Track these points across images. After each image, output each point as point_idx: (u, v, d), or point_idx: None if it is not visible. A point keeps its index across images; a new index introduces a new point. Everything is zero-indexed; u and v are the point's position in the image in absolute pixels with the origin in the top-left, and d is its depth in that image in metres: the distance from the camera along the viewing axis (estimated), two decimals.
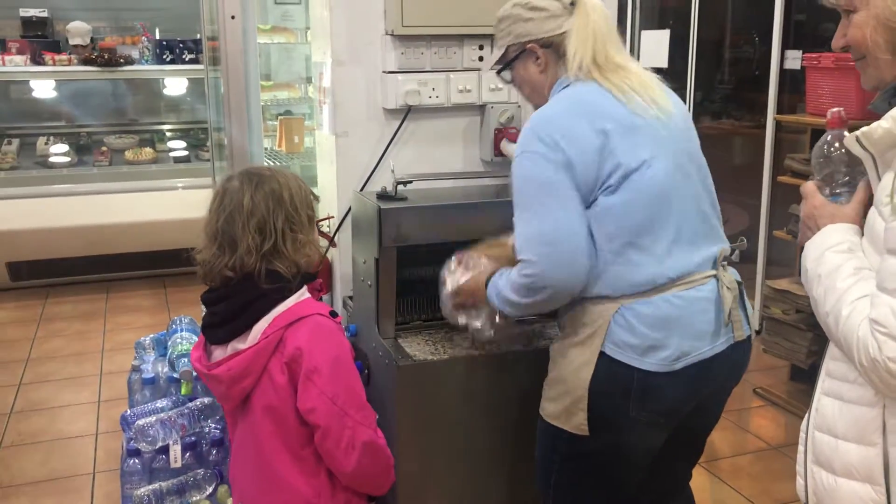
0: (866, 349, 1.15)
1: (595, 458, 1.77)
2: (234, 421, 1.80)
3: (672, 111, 1.74)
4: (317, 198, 1.82)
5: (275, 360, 1.66)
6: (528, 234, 1.67)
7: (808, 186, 1.38)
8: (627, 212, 1.65)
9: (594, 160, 1.64)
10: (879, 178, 1.23)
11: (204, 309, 1.78)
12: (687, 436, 1.87)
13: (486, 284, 1.82)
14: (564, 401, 1.76)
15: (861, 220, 1.29)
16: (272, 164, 3.37)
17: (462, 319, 1.95)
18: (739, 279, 1.80)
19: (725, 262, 1.78)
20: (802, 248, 1.35)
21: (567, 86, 1.76)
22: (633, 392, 1.68)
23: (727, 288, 1.72)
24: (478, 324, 1.92)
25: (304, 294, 1.72)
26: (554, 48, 1.78)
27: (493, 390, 2.10)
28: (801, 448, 1.37)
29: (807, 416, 1.37)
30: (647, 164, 1.66)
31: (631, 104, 1.69)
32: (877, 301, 1.15)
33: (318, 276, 1.85)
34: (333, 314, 1.74)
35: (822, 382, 1.33)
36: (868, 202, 1.28)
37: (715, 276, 1.73)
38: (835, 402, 1.29)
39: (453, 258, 1.97)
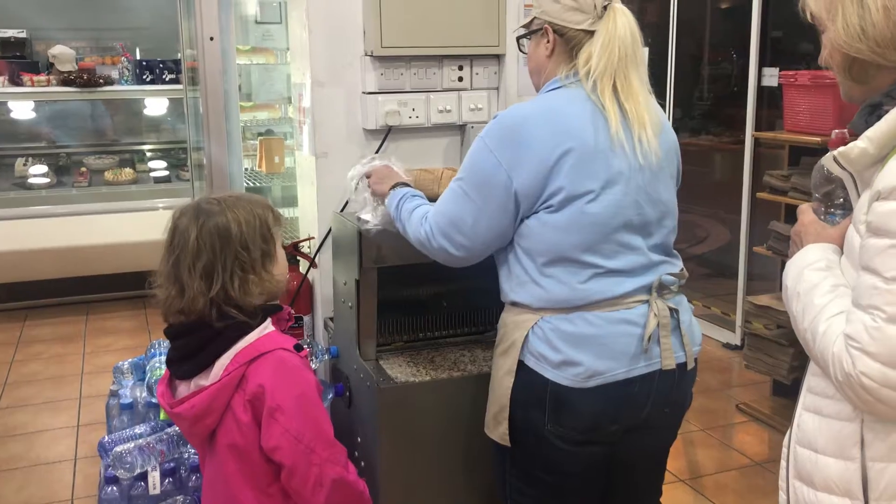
0: (841, 364, 1.16)
1: (528, 470, 1.79)
2: (203, 455, 1.76)
3: (654, 152, 1.70)
4: (278, 221, 1.73)
5: (237, 397, 1.61)
6: (447, 206, 1.76)
7: (803, 205, 1.42)
8: (562, 234, 1.67)
9: (542, 176, 1.65)
10: (859, 197, 1.25)
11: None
12: (628, 464, 1.85)
13: (394, 186, 1.96)
14: (493, 409, 1.81)
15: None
16: (252, 184, 3.36)
17: (362, 197, 2.10)
18: (677, 307, 1.76)
19: (671, 290, 1.77)
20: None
21: (559, 87, 1.74)
22: (547, 404, 1.71)
23: (654, 314, 1.71)
24: (367, 214, 2.07)
25: (267, 328, 1.66)
26: (566, 39, 1.74)
27: (475, 411, 2.08)
28: (783, 463, 1.39)
29: (789, 431, 1.38)
30: (594, 194, 1.65)
31: (611, 131, 1.66)
32: (851, 317, 1.17)
33: (289, 306, 1.80)
34: (298, 348, 1.68)
35: (804, 398, 1.35)
36: None
37: (647, 301, 1.73)
38: (815, 417, 1.30)
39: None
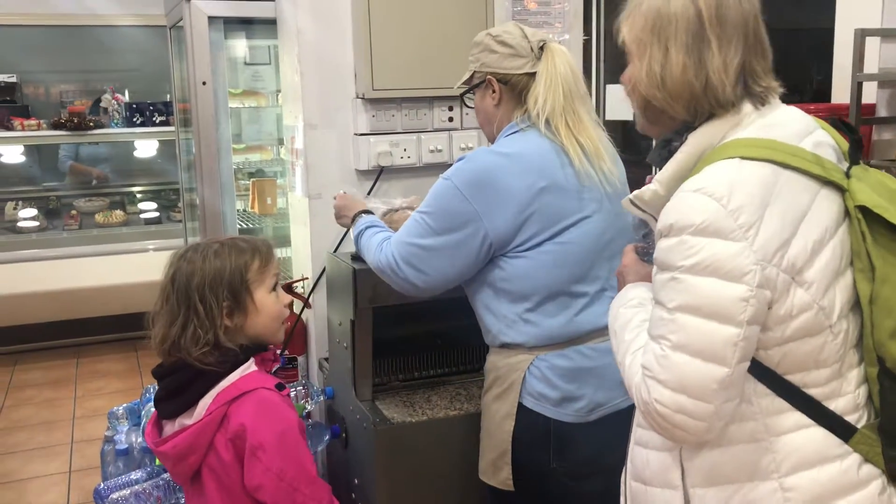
0: (640, 393, 1.20)
1: None
2: (188, 494, 1.76)
3: (617, 179, 1.78)
4: (266, 264, 1.72)
5: (220, 436, 1.62)
6: (411, 237, 1.76)
7: (627, 246, 1.46)
8: (552, 269, 1.69)
9: (519, 219, 1.68)
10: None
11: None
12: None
13: (357, 217, 2.01)
14: (491, 455, 1.79)
15: None
16: (245, 225, 3.37)
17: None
18: None
19: None
20: None
21: (516, 132, 1.78)
22: (552, 443, 1.71)
23: None
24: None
25: (249, 367, 1.67)
26: (511, 86, 1.79)
27: (472, 450, 2.08)
28: (622, 500, 1.41)
29: (625, 467, 1.40)
30: (572, 227, 1.70)
31: (576, 164, 1.72)
32: (647, 348, 1.21)
33: (274, 347, 1.81)
34: (280, 387, 1.69)
35: (634, 432, 1.38)
36: None
37: None
38: (642, 450, 1.33)
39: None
